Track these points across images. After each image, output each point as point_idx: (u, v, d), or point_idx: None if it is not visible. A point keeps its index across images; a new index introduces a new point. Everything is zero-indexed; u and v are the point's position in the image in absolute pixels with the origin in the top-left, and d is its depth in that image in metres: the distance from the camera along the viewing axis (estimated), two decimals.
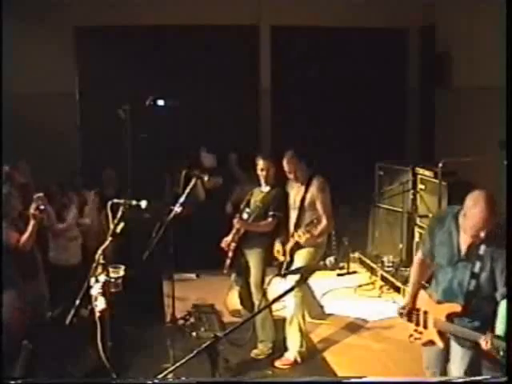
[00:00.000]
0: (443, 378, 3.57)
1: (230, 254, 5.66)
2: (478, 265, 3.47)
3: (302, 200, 5.42)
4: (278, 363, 5.32)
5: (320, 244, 5.51)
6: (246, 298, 5.78)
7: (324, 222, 5.36)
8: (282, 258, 5.52)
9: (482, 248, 3.46)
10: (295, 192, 5.54)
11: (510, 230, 3.33)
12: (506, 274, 3.36)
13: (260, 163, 5.60)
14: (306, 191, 5.41)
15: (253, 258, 5.57)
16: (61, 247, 6.31)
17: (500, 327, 3.41)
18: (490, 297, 3.49)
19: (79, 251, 6.52)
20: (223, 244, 5.71)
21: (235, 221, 5.63)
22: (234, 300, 6.26)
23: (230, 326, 3.18)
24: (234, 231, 5.67)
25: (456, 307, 3.56)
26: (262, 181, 5.63)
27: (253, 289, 5.57)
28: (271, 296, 4.37)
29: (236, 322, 5.85)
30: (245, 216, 5.70)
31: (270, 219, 5.52)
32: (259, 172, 5.62)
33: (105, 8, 8.67)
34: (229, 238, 5.68)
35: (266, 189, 5.63)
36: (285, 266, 5.47)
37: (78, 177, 8.31)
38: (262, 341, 5.51)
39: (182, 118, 9.26)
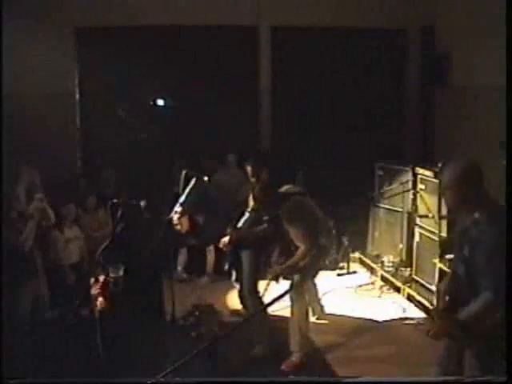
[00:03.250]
0: (443, 378, 3.56)
1: (228, 255, 5.66)
2: (467, 248, 3.33)
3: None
4: (283, 366, 5.30)
5: (322, 248, 5.46)
6: (245, 297, 5.78)
7: (302, 248, 5.24)
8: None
9: (474, 230, 3.31)
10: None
11: (509, 230, 3.32)
12: (497, 266, 3.13)
13: (248, 169, 5.57)
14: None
15: (246, 261, 5.56)
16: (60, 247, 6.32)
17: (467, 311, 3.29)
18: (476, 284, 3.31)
19: (78, 251, 6.54)
20: (221, 245, 5.71)
21: (229, 232, 5.60)
22: (234, 300, 6.26)
23: (230, 326, 3.17)
24: (230, 235, 5.66)
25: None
26: (255, 186, 5.60)
27: (245, 292, 5.56)
28: (270, 296, 4.37)
29: (236, 321, 5.85)
30: (246, 215, 5.69)
31: (264, 225, 5.48)
32: (250, 178, 5.59)
33: (105, 8, 8.67)
34: (226, 240, 5.67)
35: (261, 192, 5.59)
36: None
37: (79, 177, 8.32)
38: (259, 342, 5.50)
39: (182, 118, 9.27)
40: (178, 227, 5.16)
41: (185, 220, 5.27)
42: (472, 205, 3.35)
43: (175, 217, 5.24)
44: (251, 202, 5.70)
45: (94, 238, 6.79)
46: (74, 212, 6.67)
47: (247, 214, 5.69)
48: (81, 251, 6.66)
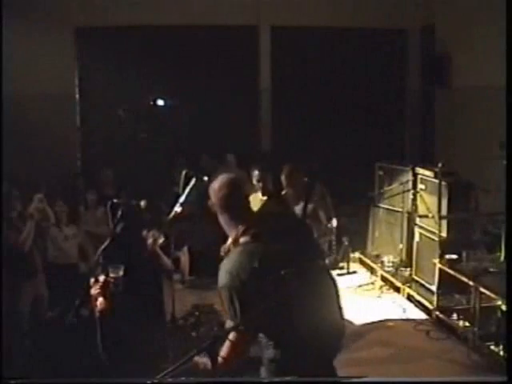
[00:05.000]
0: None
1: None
2: None
3: (304, 210, 5.33)
4: None
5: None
6: None
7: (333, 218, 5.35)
8: None
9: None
10: (294, 203, 5.47)
11: (509, 230, 3.32)
12: None
13: (255, 174, 5.55)
14: (307, 201, 5.32)
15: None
16: (57, 247, 6.33)
17: None
18: None
19: (76, 251, 6.54)
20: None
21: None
22: None
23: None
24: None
25: None
26: (259, 191, 5.59)
27: None
28: None
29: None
30: None
31: None
32: (255, 182, 5.57)
33: (105, 8, 8.67)
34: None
35: (263, 198, 5.59)
36: None
37: (79, 177, 8.32)
38: (254, 345, 5.46)
39: (182, 118, 9.27)
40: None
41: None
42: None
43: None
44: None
45: (95, 236, 6.77)
46: (67, 210, 6.64)
47: None
48: (80, 250, 6.66)
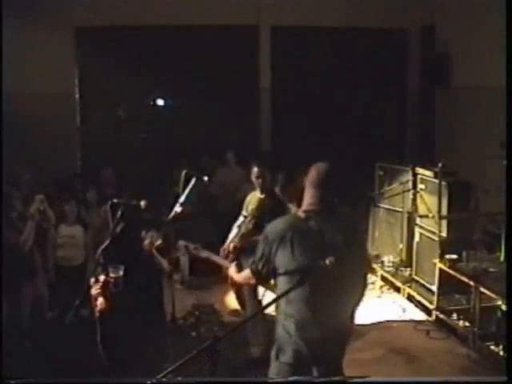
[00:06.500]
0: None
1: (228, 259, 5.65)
2: None
3: None
4: None
5: None
6: (242, 299, 5.76)
7: None
8: None
9: None
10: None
11: (509, 230, 3.32)
12: None
13: (255, 171, 5.53)
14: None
15: (246, 263, 5.55)
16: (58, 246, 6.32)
17: None
18: None
19: (79, 251, 6.52)
20: (221, 253, 5.67)
21: (235, 243, 5.56)
22: (233, 300, 6.25)
23: (230, 326, 3.17)
24: (230, 239, 5.65)
25: None
26: (258, 188, 5.58)
27: (245, 294, 5.55)
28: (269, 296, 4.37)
29: (236, 322, 5.84)
30: (241, 219, 5.68)
31: None
32: (254, 179, 5.55)
33: (105, 8, 8.67)
34: (225, 247, 5.65)
35: (262, 195, 5.58)
36: None
37: (77, 177, 8.32)
38: (253, 345, 5.47)
39: (182, 117, 9.27)
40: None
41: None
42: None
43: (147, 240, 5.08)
44: (250, 206, 5.66)
45: (98, 235, 6.74)
46: (76, 209, 6.62)
47: (241, 218, 5.67)
48: (84, 250, 6.64)
